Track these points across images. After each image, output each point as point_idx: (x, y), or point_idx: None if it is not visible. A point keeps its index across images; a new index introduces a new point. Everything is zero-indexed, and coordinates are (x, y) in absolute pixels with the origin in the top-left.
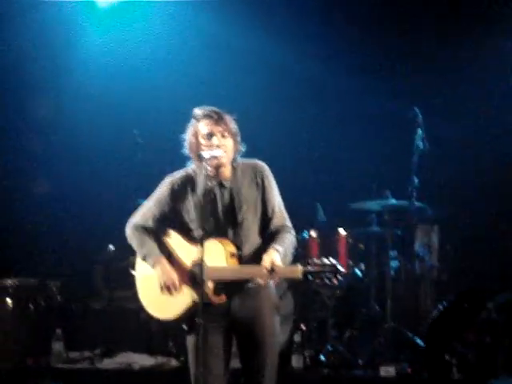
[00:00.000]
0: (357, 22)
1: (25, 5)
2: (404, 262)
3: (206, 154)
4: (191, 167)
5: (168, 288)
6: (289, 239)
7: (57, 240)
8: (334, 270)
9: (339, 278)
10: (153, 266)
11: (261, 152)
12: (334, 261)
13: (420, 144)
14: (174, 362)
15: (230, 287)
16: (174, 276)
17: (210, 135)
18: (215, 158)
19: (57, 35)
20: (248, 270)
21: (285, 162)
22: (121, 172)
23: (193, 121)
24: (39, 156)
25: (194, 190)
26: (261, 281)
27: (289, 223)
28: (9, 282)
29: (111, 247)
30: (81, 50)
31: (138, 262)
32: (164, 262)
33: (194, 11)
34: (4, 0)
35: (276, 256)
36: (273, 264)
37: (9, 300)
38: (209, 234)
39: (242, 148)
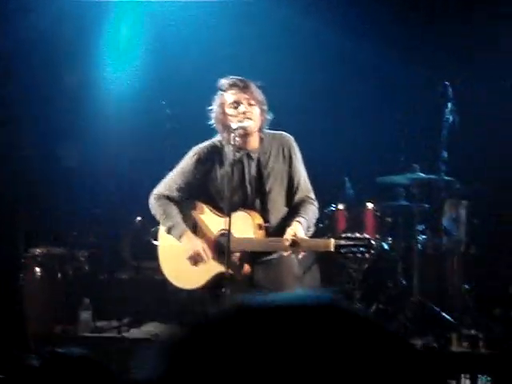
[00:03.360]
0: None
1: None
2: (431, 237)
3: (234, 124)
4: (217, 138)
5: (195, 259)
6: (311, 210)
7: (85, 210)
8: (368, 244)
9: (372, 251)
10: (178, 238)
11: (288, 124)
12: (366, 235)
13: (449, 117)
14: None
15: (254, 258)
16: (200, 247)
17: (237, 103)
18: (243, 128)
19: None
20: (273, 243)
21: (312, 135)
22: (149, 142)
23: (219, 92)
24: (68, 127)
25: (220, 160)
26: (285, 253)
27: (312, 195)
28: (37, 250)
29: (139, 218)
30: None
31: (161, 232)
32: (189, 233)
33: None
34: None
35: (299, 228)
36: (295, 236)
37: (37, 269)
38: (236, 204)
39: (269, 117)
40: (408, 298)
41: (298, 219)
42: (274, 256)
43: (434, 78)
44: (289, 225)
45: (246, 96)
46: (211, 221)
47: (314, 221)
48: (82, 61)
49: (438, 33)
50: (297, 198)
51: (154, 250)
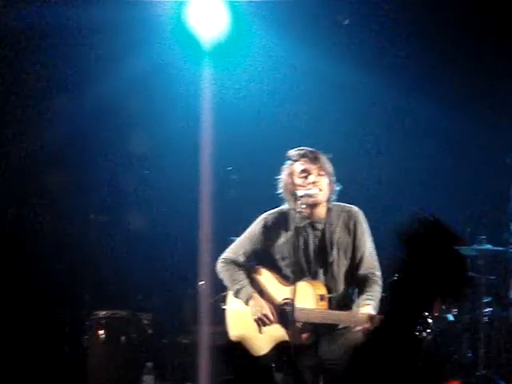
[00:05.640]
0: (461, 57)
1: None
2: (498, 309)
3: (300, 192)
4: (285, 206)
5: (262, 321)
6: (378, 291)
7: (148, 274)
8: (423, 322)
9: (428, 331)
10: (246, 301)
11: (355, 196)
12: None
13: None
14: None
15: (319, 328)
16: (267, 309)
17: (307, 173)
18: (310, 196)
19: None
20: (336, 316)
21: (378, 205)
22: (213, 208)
23: (288, 162)
24: (132, 191)
25: (286, 228)
26: (358, 328)
27: (378, 271)
28: (102, 313)
29: (202, 283)
30: (178, 88)
31: (230, 297)
32: (257, 296)
33: (287, 50)
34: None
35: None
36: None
37: (101, 331)
38: (299, 273)
39: (337, 188)
40: (474, 372)
41: (368, 303)
42: (339, 328)
43: (503, 148)
44: (360, 306)
45: (316, 166)
46: (275, 288)
47: (379, 300)
48: (148, 128)
49: (504, 102)
50: (361, 272)
51: (216, 315)
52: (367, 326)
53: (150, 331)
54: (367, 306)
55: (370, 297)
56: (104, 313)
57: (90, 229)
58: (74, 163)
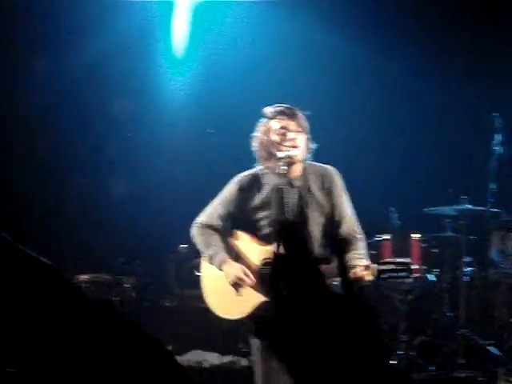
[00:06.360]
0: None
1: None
2: (478, 269)
3: (281, 153)
4: (259, 167)
5: (238, 285)
6: (365, 249)
7: (131, 238)
8: (408, 269)
9: (411, 275)
10: (219, 266)
11: (334, 154)
12: (407, 259)
13: (499, 149)
14: (243, 362)
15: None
16: (241, 271)
17: (285, 129)
18: (290, 157)
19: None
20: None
21: (359, 165)
22: (193, 170)
23: (264, 119)
24: (115, 155)
25: (261, 188)
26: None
27: (360, 230)
28: (83, 277)
29: (183, 246)
30: (158, 50)
31: (204, 262)
32: (230, 260)
33: (265, 9)
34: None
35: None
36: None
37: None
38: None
39: (313, 146)
40: (454, 331)
41: (359, 257)
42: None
43: (483, 108)
44: (355, 260)
45: (294, 123)
46: (252, 250)
47: (367, 255)
48: (129, 94)
49: (488, 66)
50: (343, 232)
51: (197, 278)
52: (365, 274)
53: (132, 294)
54: (361, 259)
55: (359, 253)
56: (86, 277)
57: (72, 195)
58: (58, 126)
